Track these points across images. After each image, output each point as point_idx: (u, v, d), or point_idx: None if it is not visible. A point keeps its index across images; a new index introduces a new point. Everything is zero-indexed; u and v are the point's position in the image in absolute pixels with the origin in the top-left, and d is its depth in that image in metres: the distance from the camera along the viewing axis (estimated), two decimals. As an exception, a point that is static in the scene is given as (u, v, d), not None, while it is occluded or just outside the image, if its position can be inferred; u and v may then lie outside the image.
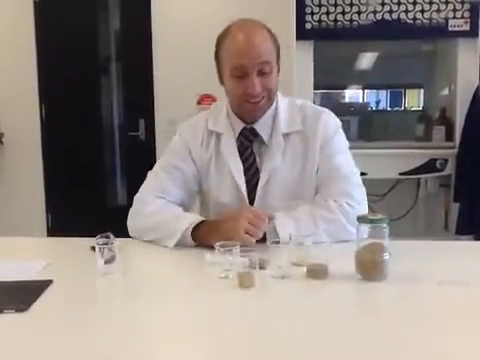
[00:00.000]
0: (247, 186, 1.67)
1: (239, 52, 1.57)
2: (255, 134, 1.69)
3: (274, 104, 1.71)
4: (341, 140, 1.72)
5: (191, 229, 1.52)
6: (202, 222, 1.54)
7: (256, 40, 1.59)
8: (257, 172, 1.68)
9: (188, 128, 1.77)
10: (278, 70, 1.66)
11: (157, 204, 1.65)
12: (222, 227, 1.48)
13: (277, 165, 1.66)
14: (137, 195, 1.72)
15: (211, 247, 1.34)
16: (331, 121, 1.71)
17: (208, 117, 1.76)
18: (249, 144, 1.70)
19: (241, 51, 1.57)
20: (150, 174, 1.76)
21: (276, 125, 1.69)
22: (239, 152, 1.69)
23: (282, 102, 1.73)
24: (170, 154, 1.76)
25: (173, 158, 1.74)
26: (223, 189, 1.69)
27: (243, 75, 1.58)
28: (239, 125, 1.70)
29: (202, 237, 1.51)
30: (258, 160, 1.69)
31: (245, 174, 1.67)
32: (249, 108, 1.64)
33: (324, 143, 1.66)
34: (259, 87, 1.58)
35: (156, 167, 1.77)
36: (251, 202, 1.66)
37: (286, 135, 1.68)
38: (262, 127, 1.69)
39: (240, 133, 1.70)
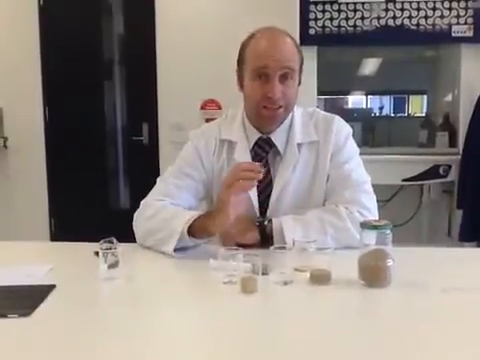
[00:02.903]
0: (260, 197, 1.65)
1: (264, 53, 1.58)
2: (271, 144, 1.68)
3: (290, 115, 1.69)
4: (352, 147, 1.71)
5: (187, 226, 1.49)
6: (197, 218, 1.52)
7: (282, 44, 1.60)
8: (270, 183, 1.66)
9: (200, 136, 1.74)
10: (299, 83, 1.66)
11: (157, 206, 1.64)
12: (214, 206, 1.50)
13: (290, 176, 1.65)
14: (143, 200, 1.71)
15: (211, 253, 1.34)
16: (342, 128, 1.70)
17: (221, 125, 1.75)
18: (264, 155, 1.68)
19: (266, 52, 1.57)
20: (158, 180, 1.75)
21: (291, 135, 1.68)
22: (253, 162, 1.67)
23: (297, 113, 1.72)
24: (181, 161, 1.73)
25: (183, 165, 1.71)
26: None
27: (265, 78, 1.57)
28: (255, 135, 1.69)
29: (200, 229, 1.50)
30: (272, 171, 1.68)
31: (258, 185, 1.63)
32: (266, 115, 1.62)
33: (335, 151, 1.66)
34: (280, 92, 1.57)
35: (165, 173, 1.74)
36: (263, 213, 1.65)
37: (299, 145, 1.67)
38: (278, 137, 1.68)
39: (255, 143, 1.68)
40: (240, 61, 1.66)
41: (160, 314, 1.12)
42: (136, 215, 1.68)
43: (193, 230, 1.50)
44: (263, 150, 1.68)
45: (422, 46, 4.19)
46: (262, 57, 1.57)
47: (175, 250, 1.50)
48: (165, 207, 1.63)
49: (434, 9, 3.75)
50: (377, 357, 0.91)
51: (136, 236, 1.65)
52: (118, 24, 4.40)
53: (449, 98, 4.13)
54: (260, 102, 1.60)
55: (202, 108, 4.15)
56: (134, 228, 1.67)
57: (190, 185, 1.69)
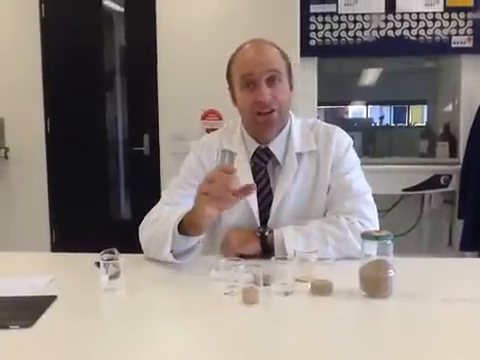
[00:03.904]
0: (259, 207, 1.65)
1: (247, 61, 1.60)
2: (269, 154, 1.68)
3: (288, 124, 1.71)
4: (353, 158, 1.71)
5: (178, 223, 1.45)
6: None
7: (264, 51, 1.62)
8: (270, 193, 1.66)
9: (202, 148, 1.75)
10: (290, 87, 1.67)
11: (157, 213, 1.63)
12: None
13: (290, 186, 1.65)
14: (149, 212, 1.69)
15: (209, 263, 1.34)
16: (343, 139, 1.70)
17: (222, 136, 1.75)
18: (263, 165, 1.68)
19: (249, 59, 1.60)
20: (163, 193, 1.75)
21: (290, 145, 1.68)
22: (253, 173, 1.67)
23: (295, 123, 1.73)
24: (185, 172, 1.73)
25: (188, 176, 1.71)
26: (234, 210, 1.59)
27: (253, 85, 1.59)
28: (253, 145, 1.69)
29: (187, 224, 1.45)
30: (271, 181, 1.68)
31: (258, 195, 1.65)
32: (261, 120, 1.62)
33: (336, 162, 1.66)
34: (269, 95, 1.58)
35: (170, 185, 1.74)
36: (263, 223, 1.65)
37: (299, 155, 1.68)
38: (276, 147, 1.68)
39: (254, 153, 1.69)
40: (229, 76, 1.69)
41: (161, 325, 1.12)
42: (140, 228, 1.66)
43: (184, 227, 1.46)
44: (262, 160, 1.69)
45: (422, 57, 4.21)
46: (246, 65, 1.60)
47: (176, 257, 1.47)
48: (163, 212, 1.61)
49: (434, 20, 3.78)
50: (379, 368, 0.91)
51: (142, 246, 1.63)
52: (119, 35, 4.42)
53: (449, 108, 4.14)
54: (253, 109, 1.61)
55: (203, 118, 4.16)
56: (140, 241, 1.65)
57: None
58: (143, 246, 1.62)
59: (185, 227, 1.46)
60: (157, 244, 1.51)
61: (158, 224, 1.56)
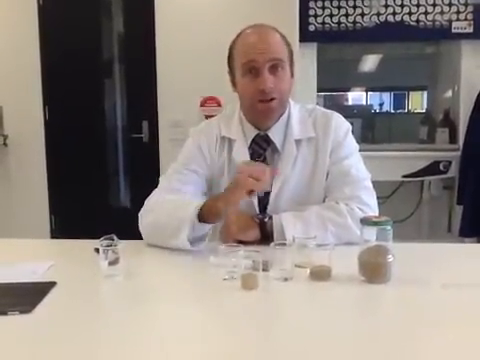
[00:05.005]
0: (259, 194, 1.65)
1: (250, 48, 1.58)
2: (268, 141, 1.67)
3: (287, 111, 1.69)
4: (351, 143, 1.70)
5: (197, 211, 1.49)
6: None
7: (267, 37, 1.60)
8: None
9: (201, 134, 1.74)
10: (292, 75, 1.65)
11: (158, 201, 1.62)
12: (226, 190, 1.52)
13: (289, 173, 1.65)
14: (146, 200, 1.69)
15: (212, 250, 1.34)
16: (341, 125, 1.69)
17: (220, 122, 1.74)
18: (262, 152, 1.67)
19: (252, 46, 1.58)
20: (161, 178, 1.73)
21: (289, 131, 1.67)
22: (252, 160, 1.66)
23: (294, 109, 1.71)
24: (183, 158, 1.73)
25: (186, 162, 1.71)
26: None
27: (255, 72, 1.57)
28: (252, 132, 1.68)
29: (207, 212, 1.49)
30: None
31: None
32: (261, 108, 1.60)
33: (334, 147, 1.65)
34: (271, 83, 1.56)
35: (168, 171, 1.73)
36: (262, 209, 1.65)
37: (298, 141, 1.67)
38: (275, 134, 1.67)
39: (253, 140, 1.68)
40: (230, 61, 1.67)
41: (160, 311, 1.13)
42: (140, 215, 1.66)
43: (202, 215, 1.49)
44: (261, 147, 1.68)
45: (422, 42, 4.20)
46: (249, 52, 1.58)
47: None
48: (166, 200, 1.61)
49: (434, 5, 3.75)
50: (377, 352, 0.91)
51: (143, 235, 1.63)
52: (117, 22, 4.40)
53: (449, 94, 4.13)
54: (254, 96, 1.59)
55: (202, 105, 4.15)
56: (140, 228, 1.65)
57: (195, 180, 1.68)
58: (144, 232, 1.62)
59: (204, 215, 1.49)
60: (167, 235, 1.52)
61: (162, 214, 1.56)
